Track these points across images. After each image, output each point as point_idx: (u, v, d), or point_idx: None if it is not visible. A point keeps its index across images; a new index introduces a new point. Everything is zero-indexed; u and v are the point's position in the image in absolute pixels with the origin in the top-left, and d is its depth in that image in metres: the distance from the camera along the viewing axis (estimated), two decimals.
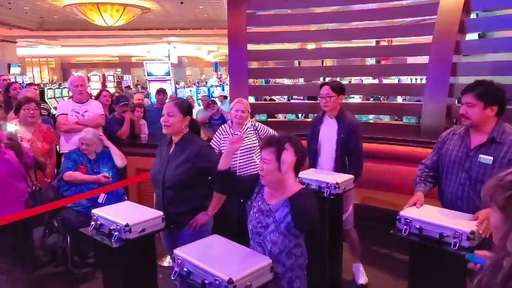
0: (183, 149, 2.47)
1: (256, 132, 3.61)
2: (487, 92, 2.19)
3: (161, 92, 6.24)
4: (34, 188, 3.27)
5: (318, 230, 1.83)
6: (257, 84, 11.48)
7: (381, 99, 8.21)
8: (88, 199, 3.46)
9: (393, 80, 10.54)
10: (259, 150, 3.60)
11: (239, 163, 3.46)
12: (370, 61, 12.24)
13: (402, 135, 4.35)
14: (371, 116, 6.25)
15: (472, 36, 5.20)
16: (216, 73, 27.66)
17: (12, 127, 3.33)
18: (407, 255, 2.47)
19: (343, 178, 2.90)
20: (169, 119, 2.43)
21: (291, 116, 7.32)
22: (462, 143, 2.34)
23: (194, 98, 12.83)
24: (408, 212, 2.23)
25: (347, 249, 3.34)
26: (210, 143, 3.41)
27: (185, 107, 2.50)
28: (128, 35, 19.30)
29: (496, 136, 2.21)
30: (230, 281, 1.65)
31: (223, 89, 13.02)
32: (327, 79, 5.74)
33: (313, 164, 3.32)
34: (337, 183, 2.77)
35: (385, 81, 10.19)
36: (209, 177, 2.42)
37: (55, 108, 11.30)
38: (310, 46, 10.06)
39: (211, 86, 15.38)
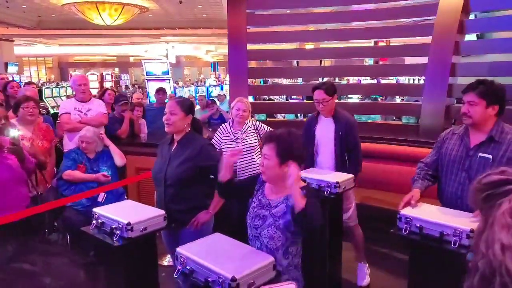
0: (185, 147, 2.48)
1: (257, 131, 3.62)
2: (489, 91, 2.21)
3: (160, 91, 6.22)
4: (35, 193, 3.26)
5: (318, 230, 1.84)
6: (255, 84, 11.48)
7: (379, 99, 8.23)
8: (87, 198, 3.45)
9: (391, 80, 10.58)
10: (259, 150, 3.62)
11: (240, 162, 3.46)
12: (368, 61, 12.27)
13: (401, 135, 4.37)
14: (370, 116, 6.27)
15: (470, 37, 5.23)
16: (214, 72, 27.63)
17: (15, 132, 3.32)
18: (407, 254, 2.48)
19: (343, 177, 2.92)
20: (171, 118, 2.44)
21: (290, 116, 7.34)
22: (461, 143, 2.36)
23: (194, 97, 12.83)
24: (408, 210, 2.25)
25: (347, 248, 3.35)
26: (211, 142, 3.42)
27: (187, 105, 2.51)
28: (127, 35, 19.26)
29: (495, 135, 2.23)
30: (233, 279, 1.66)
31: (221, 89, 13.03)
32: (325, 79, 5.78)
33: (311, 165, 3.32)
34: (337, 182, 2.78)
35: (383, 81, 10.23)
36: (211, 176, 2.43)
37: (53, 107, 11.30)
38: (309, 46, 10.08)
39: (210, 85, 15.39)
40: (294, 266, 1.95)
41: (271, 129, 3.64)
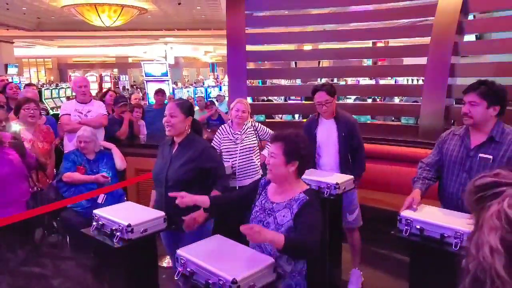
0: (186, 149, 2.47)
1: (256, 132, 3.62)
2: (490, 92, 2.21)
3: (159, 92, 6.21)
4: (35, 188, 3.26)
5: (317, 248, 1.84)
6: (253, 84, 11.49)
7: (378, 100, 8.23)
8: (87, 200, 3.44)
9: (390, 81, 10.59)
10: (258, 151, 3.62)
11: (239, 162, 3.46)
12: (367, 62, 12.28)
13: (401, 136, 4.37)
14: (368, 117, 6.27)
15: (469, 38, 5.24)
16: (212, 73, 27.64)
17: (16, 126, 3.31)
18: (407, 256, 2.47)
19: (343, 178, 2.91)
20: (171, 120, 2.43)
21: (287, 117, 7.32)
22: (462, 143, 2.36)
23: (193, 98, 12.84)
24: (409, 212, 2.24)
25: (347, 249, 3.35)
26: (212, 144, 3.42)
27: (186, 107, 2.50)
28: (125, 36, 19.27)
29: (495, 135, 2.23)
30: (234, 281, 1.65)
31: (220, 90, 13.04)
32: (323, 80, 5.78)
33: (312, 166, 3.30)
34: (337, 184, 2.78)
35: (382, 81, 10.23)
36: (215, 177, 2.44)
37: (52, 108, 11.29)
38: (307, 47, 10.08)
39: (208, 86, 15.41)
40: (298, 272, 1.93)
41: (270, 130, 3.65)
